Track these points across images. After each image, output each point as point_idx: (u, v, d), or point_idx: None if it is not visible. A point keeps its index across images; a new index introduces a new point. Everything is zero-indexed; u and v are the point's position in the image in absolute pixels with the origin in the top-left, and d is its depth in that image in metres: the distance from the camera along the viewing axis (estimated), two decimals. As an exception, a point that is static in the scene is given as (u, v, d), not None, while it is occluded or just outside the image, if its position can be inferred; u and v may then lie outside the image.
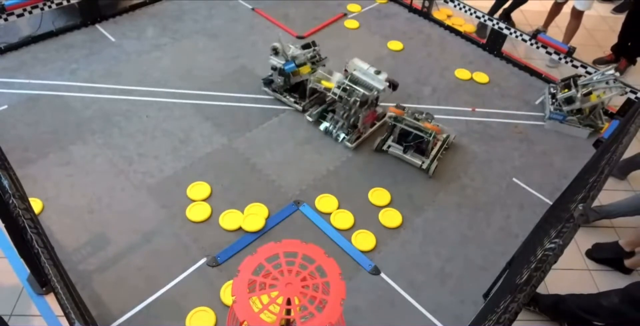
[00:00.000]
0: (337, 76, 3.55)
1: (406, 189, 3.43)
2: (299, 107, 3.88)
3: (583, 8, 4.49)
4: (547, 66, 4.78)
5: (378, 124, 3.81)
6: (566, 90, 3.88)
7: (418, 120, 3.40)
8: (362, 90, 3.39)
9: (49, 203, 3.12)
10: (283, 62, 3.71)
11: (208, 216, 3.13)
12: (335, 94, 3.47)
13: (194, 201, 3.20)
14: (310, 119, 3.79)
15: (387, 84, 3.47)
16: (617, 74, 3.79)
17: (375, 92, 3.44)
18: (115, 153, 3.45)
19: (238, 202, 3.22)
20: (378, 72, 3.46)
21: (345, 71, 3.59)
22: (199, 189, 3.27)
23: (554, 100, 3.99)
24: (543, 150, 3.84)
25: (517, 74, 4.59)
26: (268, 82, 3.93)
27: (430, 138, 3.37)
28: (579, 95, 3.79)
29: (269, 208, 3.20)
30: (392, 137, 3.62)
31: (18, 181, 1.82)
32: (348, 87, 3.43)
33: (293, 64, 3.65)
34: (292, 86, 3.90)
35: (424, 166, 3.49)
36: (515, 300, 1.48)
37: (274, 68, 3.78)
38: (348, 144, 3.63)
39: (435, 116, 3.99)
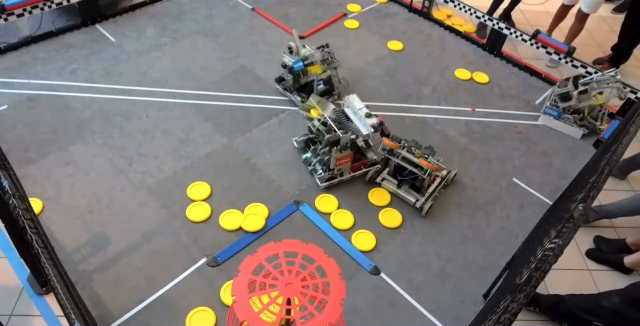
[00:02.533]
0: (330, 108, 3.35)
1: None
2: (296, 109, 3.84)
3: (589, 11, 4.48)
4: (547, 65, 4.78)
5: (364, 171, 3.42)
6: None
7: (414, 155, 3.11)
8: (338, 130, 3.14)
9: (49, 203, 3.12)
10: (289, 59, 3.74)
11: (208, 216, 3.13)
12: (314, 126, 3.28)
13: (194, 201, 3.20)
14: (296, 145, 3.56)
15: (373, 130, 3.18)
16: (619, 76, 3.78)
17: (354, 136, 3.17)
18: (115, 153, 3.45)
19: (238, 202, 3.22)
20: (369, 116, 3.22)
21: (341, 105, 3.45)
22: (199, 189, 3.27)
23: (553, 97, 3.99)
24: (543, 150, 3.84)
25: (517, 74, 4.59)
26: (279, 79, 3.97)
27: (425, 176, 3.11)
28: (575, 93, 3.79)
29: (269, 208, 3.20)
30: (387, 169, 3.38)
31: (18, 181, 1.82)
32: (326, 123, 3.23)
33: (301, 63, 3.65)
34: (302, 86, 3.92)
35: (417, 205, 3.23)
36: (515, 300, 1.48)
37: (284, 66, 3.79)
38: (318, 182, 3.33)
39: (435, 116, 4.00)
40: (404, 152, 3.14)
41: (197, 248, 2.96)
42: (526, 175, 3.63)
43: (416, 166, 3.14)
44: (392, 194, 3.37)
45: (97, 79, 3.99)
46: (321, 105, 3.38)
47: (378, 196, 3.34)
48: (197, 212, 3.13)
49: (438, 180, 3.36)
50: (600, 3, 4.49)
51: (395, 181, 3.32)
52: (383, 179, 3.37)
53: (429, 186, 3.30)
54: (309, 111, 3.52)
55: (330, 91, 3.96)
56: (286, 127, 3.79)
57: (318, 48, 3.75)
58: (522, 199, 3.47)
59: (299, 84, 3.87)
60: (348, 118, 3.34)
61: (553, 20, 4.98)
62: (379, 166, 3.39)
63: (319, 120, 3.29)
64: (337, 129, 3.16)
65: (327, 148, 3.18)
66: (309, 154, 3.46)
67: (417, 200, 3.25)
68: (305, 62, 3.68)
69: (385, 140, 3.16)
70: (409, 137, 3.26)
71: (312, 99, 3.39)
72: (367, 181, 3.41)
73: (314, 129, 3.31)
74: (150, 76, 4.07)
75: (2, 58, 4.11)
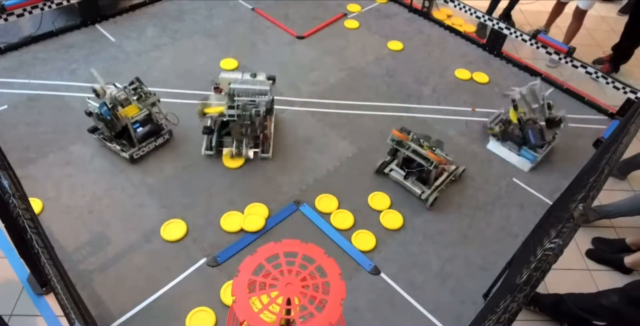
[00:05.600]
0: (213, 98, 3.31)
1: (406, 190, 3.42)
2: (126, 156, 3.32)
3: (586, 7, 4.49)
4: (547, 65, 4.78)
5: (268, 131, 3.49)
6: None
7: (422, 147, 3.16)
8: (257, 99, 3.19)
9: (49, 203, 3.12)
10: (95, 104, 3.22)
11: (208, 216, 3.13)
12: (232, 115, 3.17)
13: (193, 200, 3.20)
14: (210, 152, 3.44)
15: (271, 81, 3.32)
16: (537, 82, 3.52)
17: (270, 96, 3.26)
18: (115, 153, 3.45)
19: (238, 202, 3.22)
20: (254, 75, 3.30)
21: (216, 89, 3.38)
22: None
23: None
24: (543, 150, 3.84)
25: (517, 74, 4.59)
26: (93, 129, 3.39)
27: (431, 168, 3.15)
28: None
29: (269, 208, 3.20)
30: (396, 161, 3.43)
31: (18, 181, 1.82)
32: (240, 103, 3.18)
33: (106, 108, 3.13)
34: (121, 131, 3.33)
35: (423, 196, 3.28)
36: (515, 300, 1.48)
37: (89, 113, 3.25)
38: (268, 155, 3.46)
39: (436, 116, 4.01)
40: (413, 144, 3.18)
41: (197, 248, 2.96)
42: (526, 175, 3.63)
43: (424, 158, 3.18)
44: (391, 196, 3.37)
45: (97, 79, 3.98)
46: (216, 101, 3.31)
47: (378, 201, 3.32)
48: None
49: (445, 174, 3.39)
50: None
51: (403, 172, 3.36)
52: (391, 170, 3.42)
53: (436, 179, 3.33)
54: (204, 115, 3.30)
55: (157, 131, 3.44)
56: (286, 127, 3.79)
57: (130, 85, 3.24)
58: (522, 199, 3.47)
59: (115, 130, 3.28)
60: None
61: (550, 16, 5.01)
62: None
63: (231, 107, 3.18)
64: (256, 99, 3.19)
65: (261, 118, 3.23)
66: (232, 149, 3.42)
67: (423, 192, 3.29)
68: (112, 105, 3.15)
69: (395, 131, 3.20)
70: (413, 164, 3.27)
71: (201, 106, 3.28)
72: (374, 172, 3.45)
73: (233, 118, 3.20)
74: (150, 76, 4.07)
75: (2, 58, 4.11)
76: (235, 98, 3.22)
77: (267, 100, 3.24)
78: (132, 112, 3.22)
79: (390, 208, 3.30)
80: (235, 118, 3.20)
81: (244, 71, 3.45)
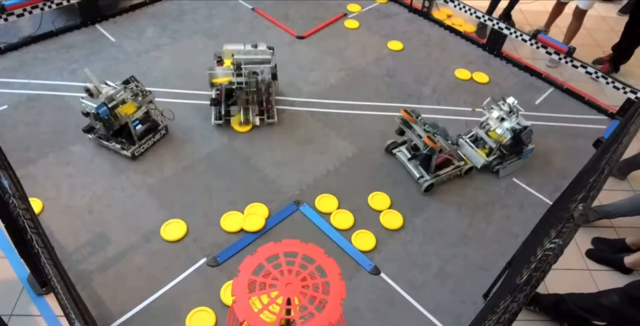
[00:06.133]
0: (220, 70, 3.53)
1: (405, 190, 3.43)
2: (128, 154, 3.35)
3: (586, 7, 4.49)
4: (547, 66, 4.78)
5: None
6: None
7: (426, 131, 3.21)
8: (261, 66, 3.45)
9: (49, 203, 3.12)
10: (91, 104, 3.20)
11: (208, 216, 3.13)
12: (240, 82, 3.43)
13: (193, 200, 3.20)
14: (220, 122, 3.68)
15: (271, 51, 3.54)
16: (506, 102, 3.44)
17: (273, 63, 3.51)
18: (115, 153, 3.45)
19: (238, 202, 3.22)
20: (255, 46, 3.52)
21: (219, 62, 3.54)
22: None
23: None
24: (543, 150, 3.84)
25: (517, 74, 4.59)
26: (89, 129, 3.37)
27: (425, 152, 3.18)
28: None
29: (269, 208, 3.20)
30: (406, 145, 3.55)
31: (18, 181, 1.82)
32: (246, 72, 3.42)
33: (105, 108, 3.11)
34: (118, 130, 3.35)
35: (420, 181, 3.36)
36: (515, 300, 1.48)
37: (86, 114, 3.23)
38: (274, 120, 3.74)
39: (436, 116, 4.00)
40: (416, 127, 3.26)
41: (197, 248, 2.96)
42: (526, 175, 3.63)
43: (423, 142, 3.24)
44: (391, 196, 3.37)
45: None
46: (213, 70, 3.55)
47: (378, 201, 3.32)
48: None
49: (452, 167, 3.42)
50: None
51: (409, 155, 3.45)
52: (399, 150, 3.55)
53: (440, 168, 3.38)
54: (213, 85, 3.58)
55: (154, 128, 3.50)
56: (286, 127, 3.79)
57: (123, 83, 3.27)
58: (522, 199, 3.47)
59: (112, 129, 3.30)
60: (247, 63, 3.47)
61: (550, 16, 5.01)
62: None
63: (239, 75, 3.43)
64: (261, 66, 3.48)
65: (266, 84, 3.59)
66: (240, 117, 3.69)
67: (422, 176, 3.35)
68: (112, 104, 3.16)
69: (402, 111, 3.28)
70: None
71: (210, 77, 3.53)
72: (384, 150, 3.60)
73: (242, 86, 3.48)
74: (150, 76, 4.07)
75: (2, 58, 4.11)
76: (243, 66, 3.40)
77: (271, 66, 3.50)
78: (130, 110, 3.26)
79: (390, 208, 3.30)
80: (243, 85, 3.44)
81: (245, 42, 3.62)
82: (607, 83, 4.08)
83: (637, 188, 3.73)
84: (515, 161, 3.58)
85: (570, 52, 4.14)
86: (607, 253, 3.21)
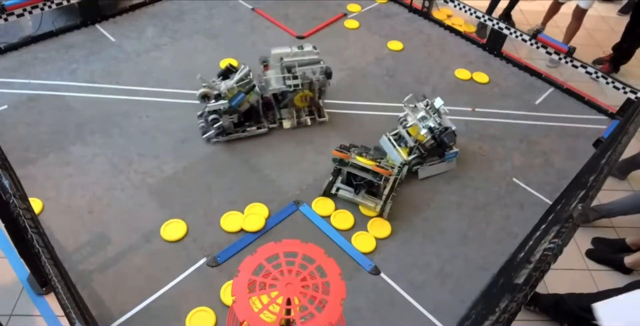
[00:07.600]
0: (271, 74, 3.53)
1: (405, 189, 3.43)
2: (265, 130, 3.64)
3: (587, 6, 4.49)
4: (547, 65, 4.78)
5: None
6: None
7: (365, 161, 3.04)
8: (312, 66, 3.48)
9: (49, 203, 3.12)
10: (221, 102, 3.37)
11: (208, 216, 3.13)
12: (296, 85, 3.48)
13: (193, 200, 3.20)
14: (274, 125, 3.71)
15: (317, 50, 3.57)
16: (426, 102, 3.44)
17: (323, 63, 3.54)
18: (115, 153, 3.45)
19: (238, 202, 3.22)
20: (301, 47, 3.53)
21: (265, 66, 3.57)
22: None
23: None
24: (543, 150, 3.84)
25: (517, 74, 4.59)
26: (219, 133, 3.53)
27: (381, 182, 3.08)
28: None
29: (269, 208, 3.20)
30: (340, 178, 3.29)
31: (18, 181, 1.82)
32: (300, 73, 3.47)
33: (242, 94, 3.36)
34: (246, 115, 3.59)
35: (377, 209, 3.18)
36: (514, 299, 1.48)
37: (219, 114, 3.42)
38: (325, 119, 3.80)
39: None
40: (354, 161, 3.06)
41: (197, 248, 2.96)
42: (526, 175, 3.63)
43: (371, 172, 3.06)
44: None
45: (97, 79, 3.99)
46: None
47: (366, 209, 3.25)
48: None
49: (391, 181, 3.22)
50: None
51: (351, 189, 3.23)
52: (338, 189, 3.27)
53: (384, 188, 3.21)
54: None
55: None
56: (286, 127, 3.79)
57: (224, 78, 3.46)
58: (522, 199, 3.47)
59: (242, 117, 3.58)
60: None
61: (546, 15, 5.02)
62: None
63: (294, 77, 3.47)
64: (311, 67, 3.51)
65: (320, 83, 3.59)
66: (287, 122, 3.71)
67: (377, 204, 3.20)
68: (242, 94, 3.38)
69: (335, 151, 3.08)
70: (358, 177, 3.17)
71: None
72: (321, 195, 3.29)
73: (298, 88, 3.52)
74: (150, 76, 4.07)
75: (2, 58, 4.11)
76: (296, 68, 3.46)
77: (323, 66, 3.53)
78: (252, 95, 3.47)
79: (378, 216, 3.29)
80: (300, 87, 3.48)
81: (291, 45, 3.62)
82: (607, 83, 4.08)
83: (637, 188, 3.74)
84: (437, 164, 3.48)
85: (570, 52, 4.14)
86: (607, 253, 3.21)
